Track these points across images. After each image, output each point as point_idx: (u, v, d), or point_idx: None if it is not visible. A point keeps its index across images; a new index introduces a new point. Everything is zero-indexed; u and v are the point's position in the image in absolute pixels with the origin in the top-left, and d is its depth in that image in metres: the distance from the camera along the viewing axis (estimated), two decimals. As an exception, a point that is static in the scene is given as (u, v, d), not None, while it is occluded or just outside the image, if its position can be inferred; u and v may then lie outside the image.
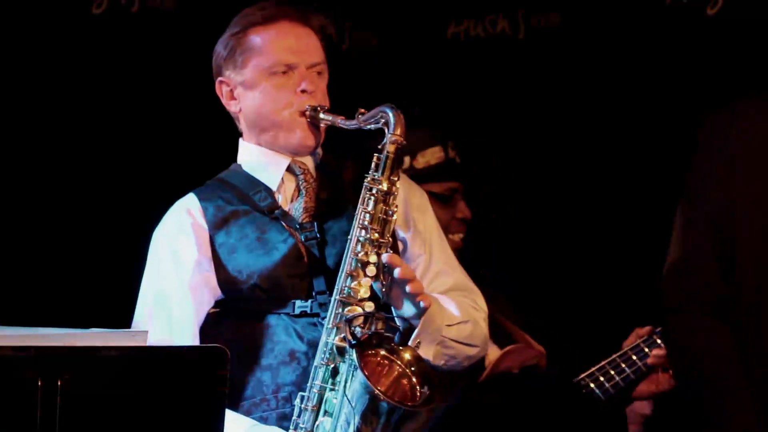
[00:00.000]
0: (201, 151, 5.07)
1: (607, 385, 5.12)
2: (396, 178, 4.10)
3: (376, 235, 4.07)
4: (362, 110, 4.24)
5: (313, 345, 4.14)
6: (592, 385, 5.08)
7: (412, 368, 3.99)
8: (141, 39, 6.20)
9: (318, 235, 4.25)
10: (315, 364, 4.08)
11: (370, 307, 4.04)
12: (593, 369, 5.15)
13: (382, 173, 4.09)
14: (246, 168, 4.39)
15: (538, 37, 6.81)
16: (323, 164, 4.40)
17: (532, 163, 6.17)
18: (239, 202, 4.32)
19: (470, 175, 5.33)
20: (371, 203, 4.08)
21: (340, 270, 4.09)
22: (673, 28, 6.43)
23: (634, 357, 5.11)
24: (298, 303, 4.20)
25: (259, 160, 4.37)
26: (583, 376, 5.16)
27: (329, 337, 4.06)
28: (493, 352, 5.18)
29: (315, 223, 4.27)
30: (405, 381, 4.02)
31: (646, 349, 5.13)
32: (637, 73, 6.46)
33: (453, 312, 4.27)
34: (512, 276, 5.74)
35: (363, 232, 4.07)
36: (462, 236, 5.22)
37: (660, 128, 4.60)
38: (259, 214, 4.30)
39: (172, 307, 4.32)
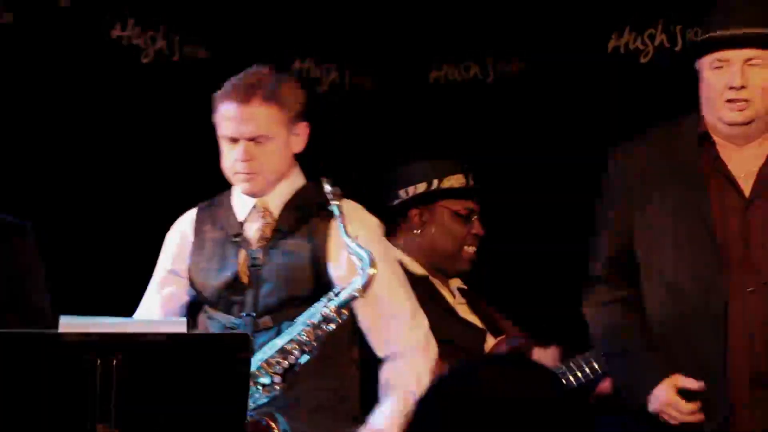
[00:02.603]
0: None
1: (579, 374, 5.04)
2: (346, 312, 4.12)
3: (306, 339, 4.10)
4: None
5: None
6: (568, 374, 5.02)
7: None
8: (181, 83, 6.19)
9: (261, 261, 4.24)
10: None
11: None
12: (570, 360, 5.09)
13: (341, 307, 4.11)
14: (233, 194, 4.39)
15: (504, 80, 6.83)
16: (293, 199, 4.34)
17: (503, 184, 6.14)
18: (218, 227, 4.35)
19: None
20: (325, 313, 4.10)
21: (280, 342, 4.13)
22: (613, 73, 6.46)
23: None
24: (233, 319, 4.24)
25: (236, 194, 4.36)
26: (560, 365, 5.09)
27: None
28: (490, 340, 5.15)
29: (261, 253, 4.25)
30: None
31: None
32: (587, 110, 6.44)
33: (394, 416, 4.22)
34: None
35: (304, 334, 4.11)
36: (475, 249, 5.17)
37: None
38: (227, 237, 4.31)
39: (150, 293, 4.41)
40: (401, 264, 4.97)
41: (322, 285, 4.21)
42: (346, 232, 4.13)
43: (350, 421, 4.30)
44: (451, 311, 5.12)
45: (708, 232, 4.13)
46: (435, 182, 5.13)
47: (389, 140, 6.36)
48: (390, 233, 5.13)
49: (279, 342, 4.12)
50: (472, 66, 6.89)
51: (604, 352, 4.43)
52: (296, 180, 4.38)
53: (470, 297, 5.25)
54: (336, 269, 4.23)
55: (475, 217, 5.19)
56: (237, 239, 4.28)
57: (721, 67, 4.09)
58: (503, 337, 5.16)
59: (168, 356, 3.61)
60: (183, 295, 4.39)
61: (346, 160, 6.38)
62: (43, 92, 5.67)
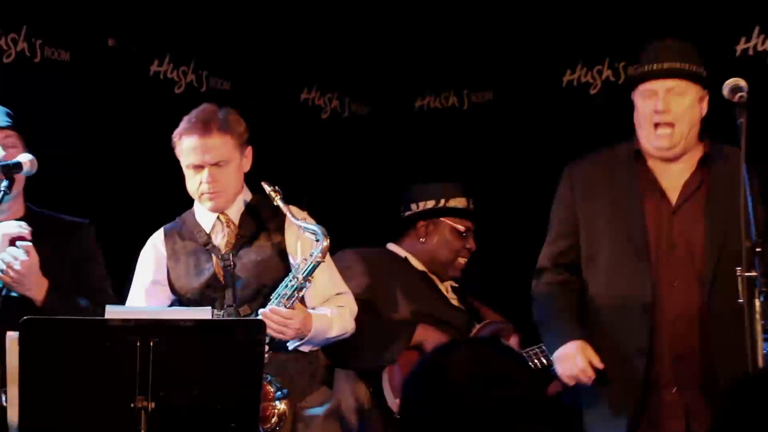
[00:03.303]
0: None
1: (535, 361, 5.02)
2: (311, 278, 4.18)
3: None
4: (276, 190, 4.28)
5: None
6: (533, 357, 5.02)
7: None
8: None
9: (233, 263, 4.30)
10: None
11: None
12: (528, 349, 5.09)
13: (308, 274, 4.17)
14: (196, 212, 4.44)
15: (478, 108, 6.82)
16: (249, 209, 4.41)
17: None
18: (188, 239, 4.40)
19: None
20: (294, 284, 4.15)
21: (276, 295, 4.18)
22: (567, 104, 6.46)
23: None
24: (215, 311, 4.22)
25: (199, 211, 4.43)
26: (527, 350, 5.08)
27: None
28: (475, 326, 5.14)
29: (231, 254, 4.30)
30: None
31: None
32: (546, 133, 6.42)
33: (330, 320, 4.32)
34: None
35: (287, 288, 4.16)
36: (466, 260, 5.21)
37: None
38: (199, 247, 4.37)
39: (137, 302, 4.39)
40: (407, 260, 5.06)
41: (285, 271, 4.28)
42: (295, 216, 4.25)
43: (321, 383, 4.43)
44: (446, 300, 5.16)
45: (641, 235, 4.16)
46: (442, 201, 5.16)
47: (382, 158, 6.37)
48: (398, 238, 5.21)
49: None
50: (451, 96, 6.90)
51: (536, 319, 4.44)
52: (247, 194, 4.45)
53: (460, 293, 5.29)
54: (294, 253, 4.32)
55: (471, 234, 5.22)
56: (207, 247, 4.35)
57: (650, 96, 4.12)
58: (486, 321, 5.19)
59: (196, 339, 3.64)
60: (166, 300, 4.40)
61: (344, 174, 6.40)
62: (98, 117, 5.72)
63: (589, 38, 6.39)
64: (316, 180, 6.10)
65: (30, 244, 4.10)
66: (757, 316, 3.71)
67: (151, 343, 3.54)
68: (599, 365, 4.14)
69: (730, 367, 3.84)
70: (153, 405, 3.53)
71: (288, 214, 4.25)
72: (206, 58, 6.20)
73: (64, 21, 5.62)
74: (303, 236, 4.31)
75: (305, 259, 4.20)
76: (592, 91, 6.44)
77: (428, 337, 4.87)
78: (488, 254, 6.15)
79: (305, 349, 4.31)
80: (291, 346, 4.26)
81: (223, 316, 4.23)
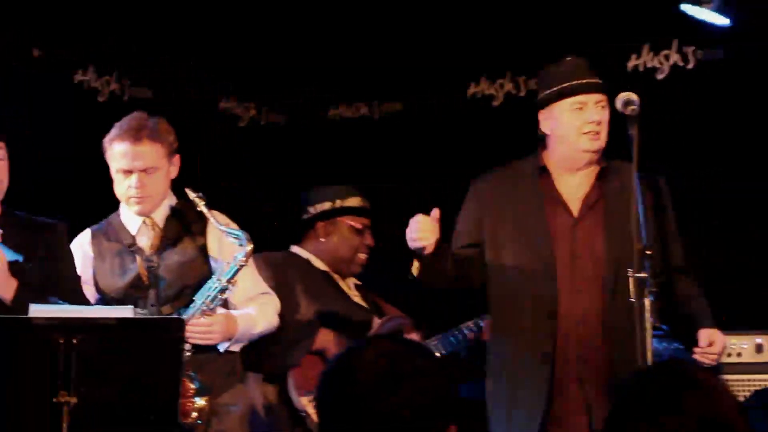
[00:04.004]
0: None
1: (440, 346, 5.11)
2: (234, 280, 4.20)
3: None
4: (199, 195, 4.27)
5: None
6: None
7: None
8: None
9: (156, 264, 4.30)
10: None
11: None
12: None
13: (231, 277, 4.19)
14: (122, 214, 4.42)
15: (387, 118, 6.83)
16: (173, 213, 4.40)
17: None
18: (114, 241, 4.37)
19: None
20: (218, 286, 4.17)
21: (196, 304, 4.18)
22: (471, 114, 6.50)
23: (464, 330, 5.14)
24: (138, 310, 4.19)
25: (125, 214, 4.41)
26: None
27: None
28: (376, 321, 5.13)
29: (155, 256, 4.31)
30: None
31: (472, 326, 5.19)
32: (452, 142, 6.45)
33: (254, 317, 4.36)
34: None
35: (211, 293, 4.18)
36: (366, 256, 5.21)
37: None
38: (124, 248, 4.35)
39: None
40: (309, 262, 5.06)
41: (207, 273, 4.29)
42: (218, 221, 4.25)
43: (238, 381, 4.42)
44: (348, 297, 5.16)
45: (546, 245, 4.18)
46: (338, 202, 5.15)
47: (297, 165, 6.37)
48: (300, 240, 5.20)
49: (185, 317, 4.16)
50: (362, 106, 6.91)
51: None
52: (172, 199, 4.44)
53: (362, 290, 5.29)
54: (215, 256, 4.33)
55: (368, 231, 5.23)
56: (132, 248, 4.32)
57: (581, 108, 4.15)
58: (387, 317, 5.19)
59: (118, 336, 3.62)
60: (90, 299, 4.32)
61: (261, 181, 6.39)
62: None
63: (492, 53, 6.42)
64: (234, 186, 6.08)
65: None
66: (647, 314, 3.77)
67: (74, 341, 3.51)
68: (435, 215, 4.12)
69: (628, 363, 3.86)
70: (75, 400, 3.49)
71: (211, 219, 4.25)
72: (129, 68, 6.15)
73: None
74: (224, 240, 4.31)
75: (229, 263, 4.21)
76: (495, 103, 6.50)
77: (329, 341, 4.88)
78: (394, 255, 6.18)
79: (235, 348, 4.32)
80: (221, 348, 4.27)
81: (146, 315, 4.21)
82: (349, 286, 5.23)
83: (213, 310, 4.20)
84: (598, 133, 4.15)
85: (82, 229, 5.44)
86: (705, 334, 4.12)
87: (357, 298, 5.19)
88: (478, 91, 6.55)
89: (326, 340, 4.90)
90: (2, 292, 4.00)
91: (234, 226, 4.32)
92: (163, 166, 4.33)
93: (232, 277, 4.19)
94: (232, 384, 4.38)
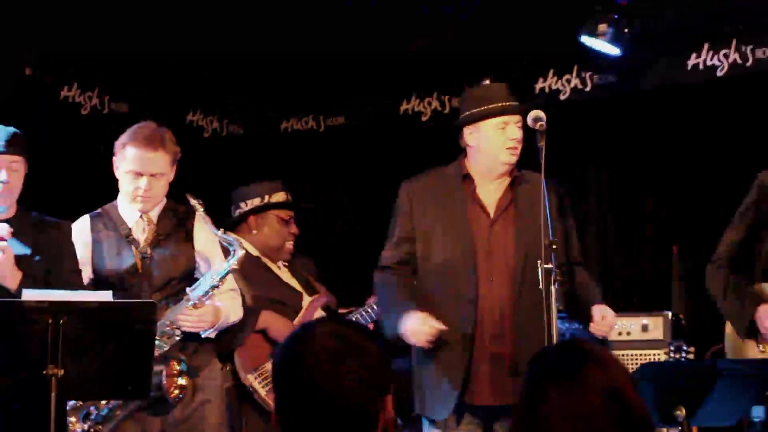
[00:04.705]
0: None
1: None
2: (224, 280, 4.16)
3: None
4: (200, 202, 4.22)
5: None
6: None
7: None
8: (111, 130, 6.05)
9: (150, 256, 4.21)
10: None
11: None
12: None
13: (222, 277, 4.15)
14: (119, 207, 4.31)
15: (331, 130, 6.85)
16: (166, 211, 4.30)
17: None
18: (112, 229, 4.26)
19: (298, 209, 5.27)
20: (210, 283, 4.13)
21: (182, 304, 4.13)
22: (403, 128, 6.55)
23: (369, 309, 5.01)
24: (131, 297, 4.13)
25: (122, 207, 4.30)
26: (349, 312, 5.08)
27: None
28: (306, 300, 5.04)
29: (149, 249, 4.22)
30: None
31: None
32: (387, 152, 6.49)
33: (228, 309, 4.29)
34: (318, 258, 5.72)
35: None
36: (293, 243, 5.16)
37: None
38: (121, 237, 4.24)
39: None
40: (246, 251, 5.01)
41: (192, 267, 4.26)
42: (214, 227, 4.21)
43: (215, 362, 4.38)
44: (279, 278, 5.08)
45: (467, 241, 4.15)
46: (266, 198, 5.11)
47: (253, 170, 6.34)
48: (234, 231, 5.16)
49: (173, 311, 4.14)
50: (310, 120, 6.90)
51: (379, 302, 4.44)
52: (164, 199, 4.35)
53: (291, 269, 5.23)
54: (199, 251, 4.28)
55: (292, 221, 5.19)
56: (129, 239, 4.23)
57: (504, 127, 4.14)
58: (317, 295, 5.12)
59: (99, 317, 3.59)
60: (86, 279, 4.22)
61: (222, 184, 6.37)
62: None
63: (421, 75, 6.46)
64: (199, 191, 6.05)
65: (6, 243, 3.96)
66: (553, 299, 3.79)
67: (61, 321, 3.49)
68: (442, 327, 4.09)
69: (534, 342, 3.86)
70: (62, 372, 3.48)
71: (207, 224, 4.20)
72: (108, 85, 6.10)
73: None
74: (207, 240, 4.27)
75: (221, 265, 4.18)
76: (424, 118, 6.53)
77: (268, 321, 4.81)
78: (334, 247, 6.19)
79: (212, 334, 4.27)
80: (204, 334, 4.22)
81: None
82: (279, 267, 5.18)
83: (202, 303, 4.16)
84: (516, 148, 4.16)
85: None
86: (598, 310, 4.09)
87: (288, 278, 5.14)
88: (409, 108, 6.58)
89: (265, 320, 4.80)
90: (8, 282, 3.95)
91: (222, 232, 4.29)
92: (168, 172, 4.25)
93: (223, 277, 4.16)
94: (213, 362, 4.35)
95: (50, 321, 3.48)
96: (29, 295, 3.64)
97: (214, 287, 4.15)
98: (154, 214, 4.29)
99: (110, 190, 5.69)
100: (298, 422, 2.15)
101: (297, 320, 4.96)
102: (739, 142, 5.80)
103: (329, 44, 6.19)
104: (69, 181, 5.79)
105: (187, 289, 4.17)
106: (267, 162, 6.48)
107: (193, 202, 4.21)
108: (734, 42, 5.69)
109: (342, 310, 5.14)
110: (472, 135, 4.20)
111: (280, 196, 5.12)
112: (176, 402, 4.04)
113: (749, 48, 5.65)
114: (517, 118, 4.14)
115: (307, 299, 5.10)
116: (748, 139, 5.73)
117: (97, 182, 5.76)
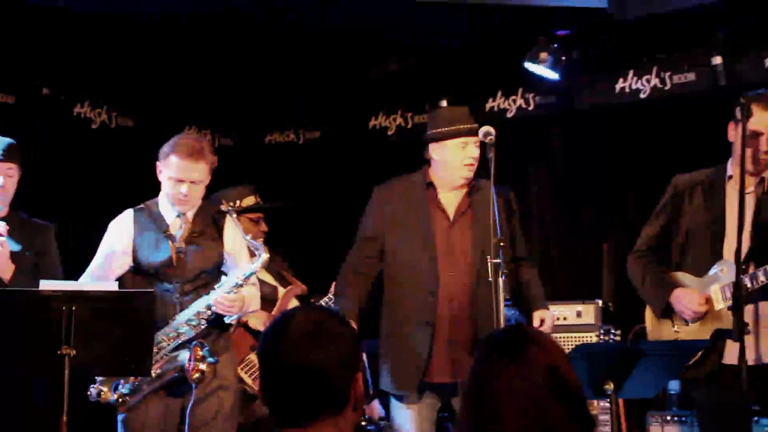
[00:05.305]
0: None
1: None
2: (249, 279, 4.10)
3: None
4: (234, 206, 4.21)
5: (169, 305, 4.06)
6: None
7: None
8: (117, 141, 6.04)
9: (185, 251, 4.12)
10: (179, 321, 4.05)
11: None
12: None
13: (248, 277, 4.09)
14: (160, 205, 4.20)
15: (309, 143, 6.78)
16: (199, 211, 4.20)
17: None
18: (152, 224, 4.16)
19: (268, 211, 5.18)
20: (236, 282, 4.06)
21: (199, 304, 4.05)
22: (371, 141, 6.53)
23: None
24: (166, 285, 4.09)
25: (162, 205, 4.19)
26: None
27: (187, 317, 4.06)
28: (281, 291, 5.01)
29: (184, 245, 4.12)
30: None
31: None
32: (357, 163, 6.47)
33: (250, 299, 4.19)
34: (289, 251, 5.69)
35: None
36: (263, 240, 5.08)
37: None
38: (159, 232, 4.14)
39: (105, 265, 4.14)
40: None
41: (219, 262, 4.19)
42: (243, 232, 4.17)
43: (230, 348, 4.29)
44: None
45: (429, 240, 4.16)
46: (238, 202, 5.03)
47: (241, 176, 6.32)
48: None
49: (206, 299, 4.07)
50: (291, 134, 6.86)
51: (335, 293, 4.41)
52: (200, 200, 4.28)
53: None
54: (228, 251, 4.20)
55: (262, 221, 5.09)
56: (166, 234, 4.14)
57: (464, 147, 4.14)
58: (290, 287, 5.08)
59: (106, 305, 3.58)
60: (122, 267, 4.15)
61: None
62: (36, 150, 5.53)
63: (387, 95, 6.46)
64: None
65: (3, 239, 3.94)
66: (500, 290, 3.80)
67: (73, 308, 3.49)
68: None
69: (488, 327, 3.87)
70: (74, 352, 3.48)
71: (238, 228, 4.14)
72: (116, 102, 6.04)
73: (9, 72, 5.48)
74: (236, 241, 4.21)
75: (248, 265, 4.11)
76: (389, 133, 6.52)
77: (250, 314, 4.67)
78: (307, 241, 6.17)
79: (234, 321, 4.21)
80: (228, 320, 4.14)
81: (173, 291, 4.08)
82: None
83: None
84: (473, 165, 4.17)
85: (76, 227, 5.38)
86: (537, 315, 4.14)
87: (263, 275, 4.95)
88: (377, 123, 6.58)
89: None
90: (2, 274, 3.94)
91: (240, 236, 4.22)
92: (206, 179, 4.15)
93: (249, 277, 4.10)
94: (231, 350, 4.25)
95: (64, 308, 3.48)
96: (46, 285, 3.61)
97: (238, 285, 4.07)
98: (190, 214, 4.20)
99: (116, 195, 5.66)
100: (281, 399, 2.14)
101: (275, 311, 4.90)
102: (658, 152, 5.84)
103: (307, 68, 6.18)
104: (78, 188, 5.75)
105: (216, 285, 4.10)
106: (253, 170, 6.44)
107: (226, 208, 4.16)
108: (655, 69, 5.75)
109: (312, 299, 5.08)
110: (436, 151, 4.20)
111: (249, 200, 5.05)
112: (197, 384, 3.95)
113: (668, 74, 5.72)
114: (474, 138, 4.13)
115: (281, 291, 5.04)
116: (666, 151, 5.77)
117: (103, 189, 5.80)
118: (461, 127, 4.16)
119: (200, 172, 4.11)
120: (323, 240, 6.25)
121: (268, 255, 4.10)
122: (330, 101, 6.61)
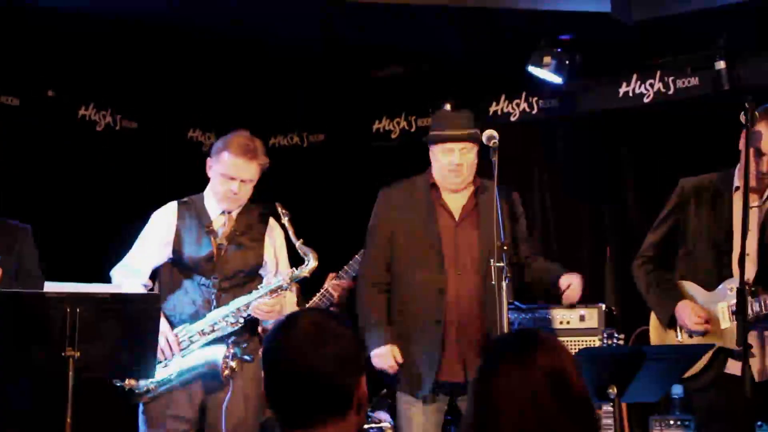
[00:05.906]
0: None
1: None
2: (294, 284, 4.09)
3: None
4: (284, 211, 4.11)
5: (204, 300, 4.06)
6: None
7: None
8: (121, 143, 6.03)
9: (225, 248, 4.09)
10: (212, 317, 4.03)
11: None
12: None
13: (293, 281, 4.08)
14: (205, 200, 4.16)
15: (313, 146, 6.74)
16: (244, 211, 4.17)
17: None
18: (195, 218, 4.12)
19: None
20: (281, 284, 4.04)
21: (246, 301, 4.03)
22: (374, 147, 6.51)
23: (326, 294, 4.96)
24: (203, 279, 4.08)
25: (207, 201, 4.15)
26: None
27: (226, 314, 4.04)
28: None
29: (225, 242, 4.09)
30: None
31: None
32: (356, 165, 6.46)
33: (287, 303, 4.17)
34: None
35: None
36: None
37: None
38: (202, 227, 4.10)
39: (144, 254, 4.14)
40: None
41: (259, 264, 4.17)
42: (294, 236, 4.11)
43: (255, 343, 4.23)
44: None
45: (436, 241, 4.16)
46: None
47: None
48: None
49: (247, 298, 4.05)
50: (295, 136, 6.85)
51: (360, 316, 4.30)
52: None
53: None
54: (267, 254, 4.18)
55: None
56: (208, 229, 4.10)
57: (449, 152, 4.15)
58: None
59: (110, 307, 3.58)
60: (161, 258, 4.12)
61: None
62: (41, 152, 5.55)
63: (391, 98, 6.44)
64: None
65: None
66: (504, 293, 3.80)
67: (78, 310, 3.49)
68: (400, 359, 4.11)
69: (495, 328, 3.86)
70: (78, 354, 3.48)
71: (289, 232, 4.09)
72: (120, 105, 6.03)
73: (14, 74, 5.46)
74: (278, 244, 4.19)
75: (294, 270, 4.08)
76: (393, 136, 6.51)
77: None
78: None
79: (271, 325, 4.14)
80: (266, 324, 4.12)
81: (210, 286, 4.06)
82: None
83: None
84: (455, 171, 4.15)
85: (80, 229, 5.37)
86: (564, 279, 4.13)
87: None
88: (381, 127, 6.57)
89: None
90: None
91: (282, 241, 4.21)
92: (256, 178, 4.12)
93: (294, 281, 4.08)
94: (260, 353, 4.14)
95: (68, 309, 3.47)
96: (51, 287, 3.62)
97: (283, 289, 4.05)
98: (235, 213, 4.17)
99: (119, 197, 5.70)
100: (285, 401, 2.14)
101: None
102: (662, 156, 5.83)
103: (313, 73, 6.17)
104: (83, 190, 5.73)
105: (260, 285, 4.08)
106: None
107: (281, 210, 4.11)
108: (658, 73, 5.75)
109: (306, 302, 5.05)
110: (430, 153, 4.23)
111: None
112: (226, 381, 3.96)
113: (671, 79, 5.71)
114: (462, 145, 4.12)
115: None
116: (669, 154, 5.76)
117: (108, 191, 5.78)
118: (444, 133, 4.16)
119: (252, 171, 4.08)
120: (327, 242, 6.22)
121: (317, 262, 4.06)
122: (334, 104, 6.60)
